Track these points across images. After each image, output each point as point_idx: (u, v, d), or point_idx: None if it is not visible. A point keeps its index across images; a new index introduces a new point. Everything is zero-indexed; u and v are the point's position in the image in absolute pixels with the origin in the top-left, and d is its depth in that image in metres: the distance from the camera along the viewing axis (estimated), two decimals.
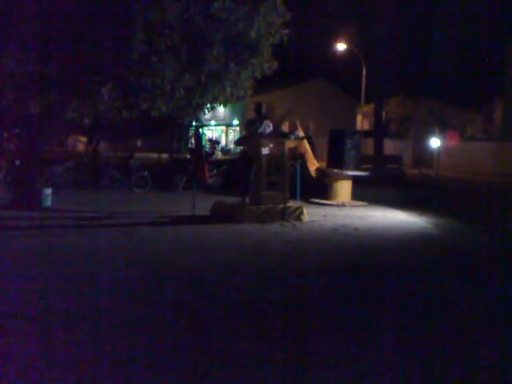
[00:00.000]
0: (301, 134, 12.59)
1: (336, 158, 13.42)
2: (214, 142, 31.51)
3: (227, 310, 4.94)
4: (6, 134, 13.66)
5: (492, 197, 16.42)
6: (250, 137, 10.63)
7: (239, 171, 11.52)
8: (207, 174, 14.91)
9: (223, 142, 44.38)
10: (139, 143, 17.08)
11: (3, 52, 9.33)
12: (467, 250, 8.21)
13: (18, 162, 11.41)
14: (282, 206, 9.97)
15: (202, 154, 11.63)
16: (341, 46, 31.98)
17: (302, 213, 10.13)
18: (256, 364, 3.82)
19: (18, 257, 6.81)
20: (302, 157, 13.59)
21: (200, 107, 11.30)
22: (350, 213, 11.43)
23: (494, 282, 6.27)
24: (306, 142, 13.81)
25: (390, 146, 30.27)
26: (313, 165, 14.44)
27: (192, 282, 5.84)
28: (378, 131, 28.28)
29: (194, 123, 15.72)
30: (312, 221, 10.05)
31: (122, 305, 4.99)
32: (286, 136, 10.84)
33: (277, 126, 12.17)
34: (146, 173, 14.94)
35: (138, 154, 18.33)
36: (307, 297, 5.50)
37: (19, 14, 9.41)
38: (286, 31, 10.51)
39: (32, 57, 9.59)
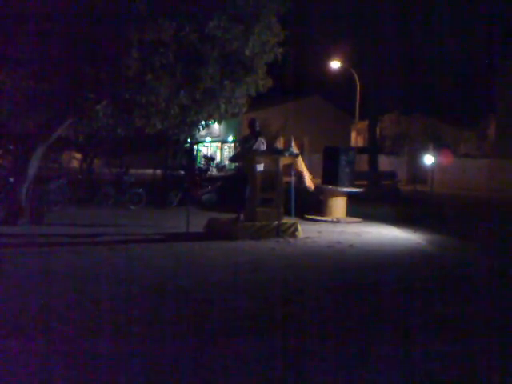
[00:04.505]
0: (295, 150, 12.64)
1: (330, 175, 13.46)
2: (209, 159, 31.60)
3: (222, 329, 4.90)
4: (0, 151, 13.65)
5: (486, 213, 16.47)
6: (244, 154, 10.66)
7: (234, 188, 11.52)
8: (200, 190, 14.97)
9: (218, 159, 44.46)
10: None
11: None
12: (463, 266, 8.20)
13: (11, 179, 11.38)
14: (276, 222, 9.96)
15: (195, 170, 11.67)
16: (335, 64, 32.25)
17: (296, 229, 10.12)
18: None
19: (13, 275, 6.75)
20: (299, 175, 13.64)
21: (195, 124, 11.34)
22: (344, 229, 11.43)
23: (491, 298, 6.25)
24: (300, 159, 13.88)
25: (384, 163, 30.37)
26: (310, 182, 14.53)
27: (187, 299, 5.81)
28: (373, 148, 28.37)
29: (188, 140, 15.77)
30: (307, 237, 10.04)
31: (120, 324, 4.95)
32: (280, 153, 10.87)
33: (271, 143, 12.26)
34: (141, 189, 14.92)
35: (132, 171, 18.32)
36: (303, 314, 5.47)
37: (15, 31, 9.47)
38: (281, 50, 10.61)
39: (27, 74, 9.62)
